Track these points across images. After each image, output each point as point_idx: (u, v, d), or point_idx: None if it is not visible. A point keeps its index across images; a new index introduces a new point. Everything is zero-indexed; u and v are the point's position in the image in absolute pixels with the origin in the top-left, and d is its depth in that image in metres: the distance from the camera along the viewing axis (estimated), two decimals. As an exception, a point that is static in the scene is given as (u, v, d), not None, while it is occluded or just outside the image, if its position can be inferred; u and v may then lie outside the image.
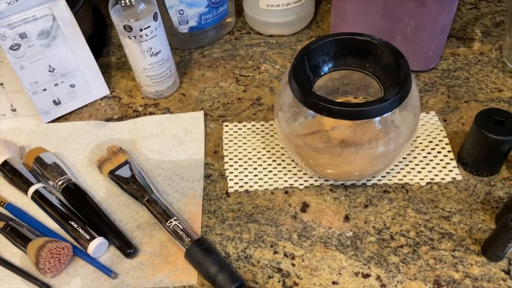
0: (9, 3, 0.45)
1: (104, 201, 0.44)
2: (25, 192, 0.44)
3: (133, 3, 0.45)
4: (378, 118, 0.37)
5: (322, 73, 0.41)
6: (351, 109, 0.35)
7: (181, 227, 0.40)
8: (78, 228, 0.41)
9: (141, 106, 0.53)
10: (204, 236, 0.41)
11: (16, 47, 0.47)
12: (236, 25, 0.62)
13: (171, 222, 0.40)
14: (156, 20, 0.46)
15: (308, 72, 0.40)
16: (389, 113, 0.36)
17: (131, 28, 0.45)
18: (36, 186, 0.44)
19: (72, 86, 0.52)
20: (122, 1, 0.45)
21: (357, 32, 0.42)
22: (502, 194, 0.42)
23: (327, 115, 0.36)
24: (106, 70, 0.57)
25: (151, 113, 0.52)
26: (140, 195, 0.43)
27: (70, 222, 0.41)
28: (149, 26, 0.46)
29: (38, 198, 0.43)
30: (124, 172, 0.44)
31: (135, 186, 0.43)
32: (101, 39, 0.61)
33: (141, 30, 0.46)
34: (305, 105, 0.37)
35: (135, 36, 0.46)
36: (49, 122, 0.52)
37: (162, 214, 0.41)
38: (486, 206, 0.41)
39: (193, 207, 0.43)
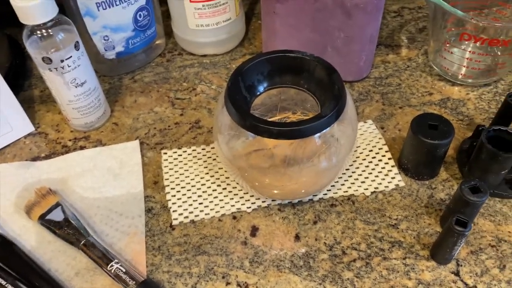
0: None
1: (35, 250, 0.40)
2: None
3: (51, 33, 0.41)
4: (317, 135, 0.36)
5: (258, 93, 0.41)
6: (290, 128, 0.35)
7: (124, 270, 0.37)
8: (6, 285, 0.37)
9: (70, 140, 0.49)
10: (150, 275, 0.38)
11: None
12: (167, 46, 0.60)
13: (112, 265, 0.37)
14: (78, 49, 0.43)
15: (244, 93, 0.39)
16: (327, 129, 0.36)
17: (50, 60, 0.42)
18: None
19: (-10, 125, 0.47)
20: (38, 32, 0.41)
21: (289, 48, 0.42)
22: (443, 196, 0.43)
23: (268, 137, 0.35)
24: (29, 104, 0.53)
25: (81, 147, 0.48)
26: (75, 239, 0.39)
27: None
28: (71, 56, 0.43)
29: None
30: (56, 216, 0.41)
31: (69, 230, 0.40)
32: (20, 72, 0.56)
33: (62, 61, 0.42)
34: (244, 128, 0.36)
35: (56, 68, 0.43)
36: (-34, 168, 0.47)
37: (101, 257, 0.38)
38: (430, 210, 0.42)
39: (135, 246, 0.40)
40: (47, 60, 0.42)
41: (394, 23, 0.61)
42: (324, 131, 0.36)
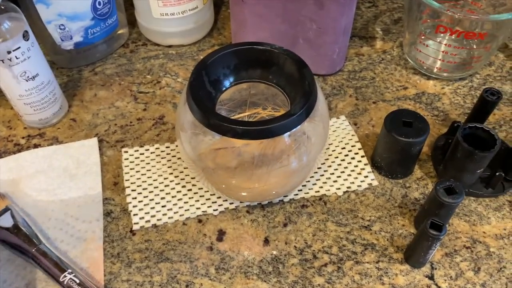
0: None
1: (-19, 259, 0.37)
2: None
3: (-5, 21, 0.38)
4: (287, 134, 0.34)
5: (224, 88, 0.38)
6: (257, 127, 0.32)
7: (78, 281, 0.34)
8: None
9: (23, 138, 0.46)
10: (108, 285, 0.36)
11: None
12: (131, 36, 0.56)
13: (65, 276, 0.34)
14: (28, 40, 0.40)
15: (208, 88, 0.37)
16: (297, 127, 0.33)
17: (-5, 50, 0.38)
18: None
19: None
20: (-20, 20, 0.37)
21: (259, 39, 0.40)
22: (417, 195, 0.41)
23: (232, 137, 0.32)
24: (-23, 99, 0.49)
25: (36, 146, 0.45)
26: (26, 247, 0.36)
27: None
28: (19, 47, 0.39)
29: None
30: (5, 222, 0.37)
31: (19, 237, 0.36)
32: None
33: (9, 52, 0.39)
34: (207, 127, 0.33)
35: (2, 60, 0.39)
36: None
37: (54, 267, 0.35)
38: (404, 210, 0.40)
39: (92, 253, 0.37)
40: (-8, 51, 0.38)
41: (368, 13, 0.59)
42: (294, 129, 0.33)
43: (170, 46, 0.55)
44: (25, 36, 0.40)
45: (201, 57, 0.54)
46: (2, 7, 0.38)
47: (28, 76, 0.41)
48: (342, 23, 0.46)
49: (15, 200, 0.40)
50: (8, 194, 0.40)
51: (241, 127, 0.32)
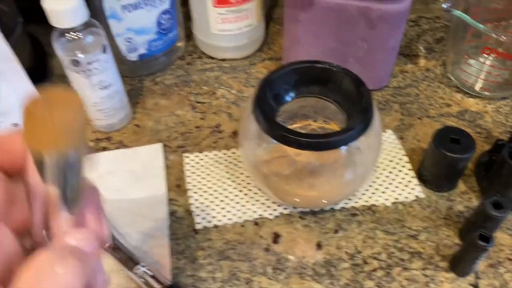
0: None
1: (60, 250, 0.41)
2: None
3: (80, 36, 0.42)
4: (344, 147, 0.37)
5: (285, 102, 0.41)
6: (319, 140, 0.35)
7: (150, 273, 0.37)
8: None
9: (92, 141, 0.50)
10: (175, 279, 0.39)
11: None
12: (187, 49, 0.60)
13: (138, 268, 0.38)
14: (105, 53, 0.44)
15: (270, 102, 0.40)
16: (355, 141, 0.36)
17: (78, 62, 0.42)
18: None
19: (15, 125, 0.48)
20: (67, 35, 0.42)
21: (311, 56, 0.43)
22: (461, 208, 0.43)
23: (296, 147, 0.36)
24: (50, 103, 0.53)
25: (104, 148, 0.49)
26: (101, 241, 0.40)
27: None
28: (98, 60, 0.43)
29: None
30: (81, 217, 0.41)
31: (94, 231, 0.40)
32: (42, 72, 0.57)
33: (89, 64, 0.43)
34: (273, 138, 0.36)
35: (83, 71, 0.43)
36: (-11, 166, 0.47)
37: (127, 260, 0.38)
38: (449, 222, 0.42)
39: (160, 249, 0.41)
40: (75, 63, 0.43)
41: (411, 32, 0.62)
42: (352, 143, 0.36)
43: (223, 60, 0.59)
44: (104, 50, 0.44)
45: (253, 71, 0.58)
46: (87, 24, 0.42)
47: (103, 85, 0.45)
48: (391, 42, 0.49)
49: (88, 197, 0.44)
50: (82, 192, 0.44)
51: (305, 139, 0.35)
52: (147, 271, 0.38)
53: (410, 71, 0.57)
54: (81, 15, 0.41)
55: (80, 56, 0.42)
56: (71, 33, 0.42)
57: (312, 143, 0.35)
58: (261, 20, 0.57)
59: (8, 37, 0.47)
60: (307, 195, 0.42)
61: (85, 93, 0.46)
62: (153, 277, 0.37)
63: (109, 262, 0.40)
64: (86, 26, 0.42)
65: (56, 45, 0.42)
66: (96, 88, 0.45)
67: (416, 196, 0.44)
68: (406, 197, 0.44)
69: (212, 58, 0.59)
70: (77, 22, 0.41)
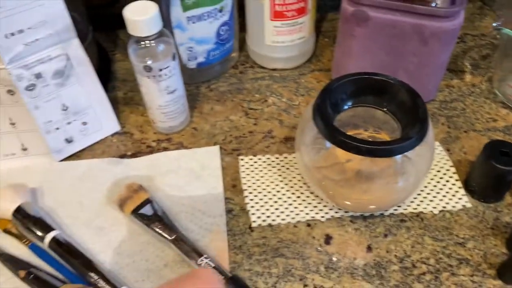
0: (26, 45, 0.45)
1: (127, 240, 0.44)
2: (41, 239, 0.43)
3: (153, 44, 0.46)
4: (399, 156, 0.39)
5: (341, 110, 0.44)
6: (378, 147, 0.38)
7: (213, 265, 0.40)
8: (98, 279, 0.40)
9: (154, 141, 0.53)
10: (233, 272, 0.42)
11: (31, 88, 0.46)
12: (239, 59, 0.64)
13: (202, 260, 0.41)
14: (175, 60, 0.47)
15: (329, 110, 0.43)
16: (412, 150, 0.38)
17: (151, 68, 0.46)
18: (54, 233, 0.43)
19: (84, 123, 0.52)
20: (143, 43, 0.45)
21: (360, 68, 0.45)
22: (508, 219, 0.45)
23: (356, 153, 0.38)
24: (113, 105, 0.57)
25: (165, 149, 0.52)
26: (167, 233, 0.43)
27: (89, 273, 0.41)
28: (168, 66, 0.47)
29: (56, 245, 0.42)
30: (147, 211, 0.45)
31: (160, 224, 0.43)
32: (105, 74, 0.61)
33: (160, 70, 0.47)
34: (334, 143, 0.39)
35: (154, 76, 0.47)
36: (61, 161, 0.51)
37: (191, 252, 0.41)
38: (496, 232, 0.44)
39: (219, 243, 0.44)
40: (148, 69, 0.46)
41: (457, 48, 0.64)
42: (408, 152, 0.38)
43: (274, 69, 0.62)
44: (173, 57, 0.47)
45: (302, 81, 0.60)
46: (160, 33, 0.46)
47: (170, 90, 0.49)
48: (441, 58, 0.51)
49: (152, 193, 0.47)
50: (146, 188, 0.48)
51: (365, 146, 0.38)
52: (209, 262, 0.40)
53: (456, 86, 0.59)
54: (156, 25, 0.44)
55: (152, 62, 0.46)
56: (146, 41, 0.45)
57: (371, 149, 0.38)
58: (312, 33, 0.60)
59: (81, 43, 0.51)
60: (359, 199, 0.44)
61: (152, 96, 0.49)
62: (215, 268, 0.40)
63: (171, 254, 0.43)
64: (159, 35, 0.46)
65: (130, 52, 0.46)
66: (163, 92, 0.49)
67: (463, 206, 0.46)
68: (454, 206, 0.46)
69: (263, 68, 0.62)
70: (152, 31, 0.44)
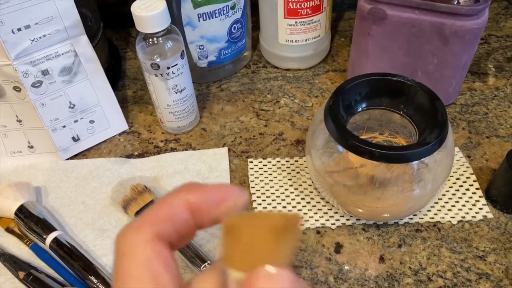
0: (33, 40, 0.44)
1: (130, 243, 0.43)
2: (43, 240, 0.42)
3: (161, 41, 0.44)
4: (416, 162, 0.37)
5: (355, 112, 0.42)
6: (393, 152, 0.35)
7: (216, 272, 0.38)
8: (98, 283, 0.39)
9: (161, 141, 0.52)
10: (238, 279, 0.40)
11: (38, 84, 0.46)
12: (252, 58, 0.62)
13: (205, 266, 0.39)
14: (183, 58, 0.46)
15: (342, 112, 0.40)
16: (429, 156, 0.36)
17: (158, 66, 0.45)
18: (55, 234, 0.42)
19: (92, 122, 0.51)
20: (150, 39, 0.44)
21: (377, 69, 0.43)
22: (533, 232, 0.42)
23: (369, 158, 0.36)
24: (122, 104, 0.56)
25: (172, 149, 0.51)
26: (169, 237, 0.41)
27: (90, 276, 0.39)
28: (176, 64, 0.45)
29: (57, 247, 0.41)
30: (151, 213, 0.43)
31: (163, 227, 0.42)
32: (116, 73, 0.60)
33: (168, 68, 0.45)
34: (345, 147, 0.37)
35: (161, 74, 0.46)
36: (67, 159, 0.50)
37: (194, 257, 0.40)
38: (519, 245, 0.41)
39: (224, 249, 0.42)
40: (155, 66, 0.45)
41: (480, 50, 0.61)
42: (426, 158, 0.36)
43: (287, 70, 0.60)
44: (182, 55, 0.46)
45: (317, 82, 0.58)
46: (168, 30, 0.44)
47: (177, 89, 0.47)
48: (463, 59, 0.48)
49: (157, 195, 0.46)
50: (151, 189, 0.46)
51: (378, 150, 0.35)
52: (213, 269, 0.39)
53: (478, 89, 0.56)
54: (164, 21, 0.43)
55: (160, 60, 0.45)
56: (154, 38, 0.44)
57: (386, 154, 0.35)
58: (328, 32, 0.58)
59: (92, 40, 0.50)
60: (372, 206, 0.42)
61: (161, 95, 0.48)
62: (218, 275, 0.38)
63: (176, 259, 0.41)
64: (167, 32, 0.44)
65: (138, 49, 0.45)
66: (171, 91, 0.47)
67: (484, 216, 0.43)
68: (474, 216, 0.43)
69: (277, 67, 0.60)
70: (160, 27, 0.43)
